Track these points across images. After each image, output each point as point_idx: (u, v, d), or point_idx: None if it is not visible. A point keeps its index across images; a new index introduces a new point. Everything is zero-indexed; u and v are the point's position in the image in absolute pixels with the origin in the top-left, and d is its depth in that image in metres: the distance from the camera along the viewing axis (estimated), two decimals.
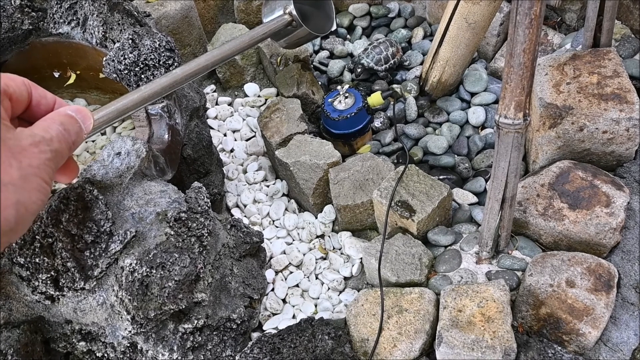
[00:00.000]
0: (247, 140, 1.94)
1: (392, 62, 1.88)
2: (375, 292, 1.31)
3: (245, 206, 1.76)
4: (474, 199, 1.55)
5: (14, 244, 1.00)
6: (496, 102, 1.75)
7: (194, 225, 1.19)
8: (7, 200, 0.35)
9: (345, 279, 1.56)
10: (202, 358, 1.27)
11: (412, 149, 1.73)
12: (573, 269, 1.17)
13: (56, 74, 1.54)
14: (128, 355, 1.18)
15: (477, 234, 1.39)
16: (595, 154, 1.35)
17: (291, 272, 1.61)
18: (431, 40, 1.95)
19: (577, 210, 1.25)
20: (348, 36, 2.13)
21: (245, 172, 1.85)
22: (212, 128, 1.93)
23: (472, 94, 1.79)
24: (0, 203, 0.34)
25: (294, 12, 1.50)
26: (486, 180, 1.57)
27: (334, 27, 2.10)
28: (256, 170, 1.84)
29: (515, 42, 0.94)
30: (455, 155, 1.68)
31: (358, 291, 1.51)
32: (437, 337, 1.15)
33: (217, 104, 2.03)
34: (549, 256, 1.21)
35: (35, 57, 1.47)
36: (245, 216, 1.75)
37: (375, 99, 1.75)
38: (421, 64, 1.92)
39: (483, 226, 1.27)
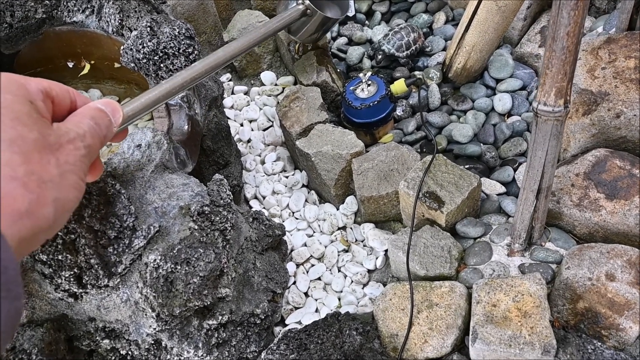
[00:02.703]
0: (264, 130, 1.89)
1: (413, 48, 1.83)
2: (404, 286, 1.27)
3: (264, 198, 1.72)
4: (502, 189, 1.50)
5: None
6: (523, 88, 1.70)
7: (217, 219, 1.15)
8: (46, 198, 0.34)
9: (369, 271, 1.52)
10: (227, 354, 1.24)
11: (436, 137, 1.68)
12: (613, 261, 1.12)
13: (70, 64, 1.50)
14: (152, 352, 1.15)
15: (507, 225, 1.35)
16: (631, 141, 1.30)
17: (313, 265, 1.57)
18: (454, 25, 1.90)
19: (615, 201, 1.20)
20: (367, 22, 2.07)
21: (263, 162, 1.81)
22: (229, 118, 1.89)
23: (498, 81, 1.73)
24: (39, 200, 0.34)
25: (307, 1, 1.46)
26: (514, 170, 1.52)
27: (352, 12, 2.05)
28: (274, 161, 1.80)
29: (559, 25, 0.89)
30: (481, 144, 1.63)
31: (383, 285, 1.47)
32: (471, 332, 1.11)
33: (233, 93, 1.99)
34: (587, 248, 1.17)
35: (48, 47, 1.43)
36: (264, 208, 1.71)
37: (399, 86, 1.70)
38: (443, 50, 1.87)
39: (516, 217, 1.22)
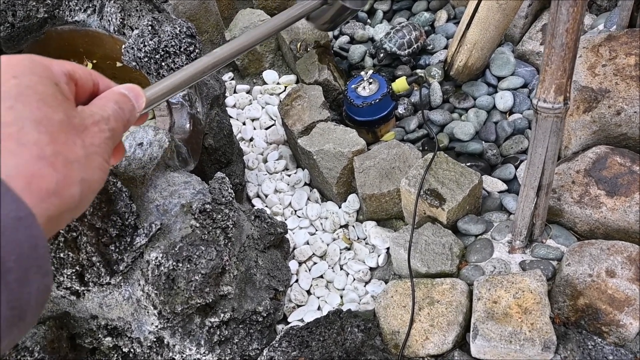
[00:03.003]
0: (266, 128, 1.90)
1: (415, 46, 1.83)
2: (405, 283, 1.27)
3: (266, 196, 1.73)
4: (504, 187, 1.50)
5: None
6: (524, 86, 1.70)
7: (219, 216, 1.16)
8: (72, 178, 0.35)
9: (371, 269, 1.53)
10: (229, 352, 1.24)
11: (438, 135, 1.68)
12: (613, 258, 1.12)
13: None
14: (155, 350, 1.15)
15: (508, 223, 1.35)
16: (632, 138, 1.30)
17: (315, 263, 1.58)
18: (455, 24, 1.90)
19: (615, 197, 1.20)
20: (369, 20, 2.08)
21: (265, 161, 1.82)
22: (231, 117, 1.90)
23: (499, 78, 1.73)
24: (65, 180, 0.35)
25: None
26: (516, 167, 1.52)
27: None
28: (277, 160, 1.80)
29: (558, 22, 0.89)
30: (483, 142, 1.63)
31: (385, 282, 1.47)
32: (472, 329, 1.12)
33: (235, 92, 1.99)
34: (587, 245, 1.17)
35: (50, 47, 1.44)
36: (266, 206, 1.71)
37: (400, 84, 1.70)
38: (445, 48, 1.87)
39: (517, 214, 1.23)
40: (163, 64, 1.21)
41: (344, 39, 2.02)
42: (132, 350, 1.14)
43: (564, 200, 1.26)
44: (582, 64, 1.34)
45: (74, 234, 0.95)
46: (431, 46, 1.89)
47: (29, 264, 0.30)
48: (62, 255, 0.95)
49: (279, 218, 1.66)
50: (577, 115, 1.33)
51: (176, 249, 1.05)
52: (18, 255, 0.29)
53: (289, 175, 1.77)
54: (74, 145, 0.36)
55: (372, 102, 1.63)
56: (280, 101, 1.76)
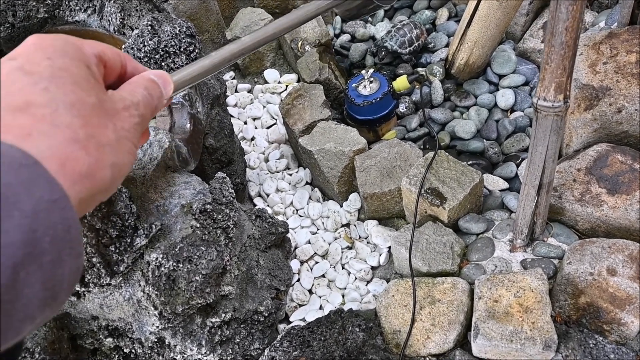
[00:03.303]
0: (267, 128, 1.90)
1: (416, 44, 1.82)
2: (406, 282, 1.27)
3: (268, 195, 1.73)
4: (505, 185, 1.50)
5: None
6: (526, 84, 1.70)
7: (220, 216, 1.16)
8: (104, 161, 0.35)
9: (373, 268, 1.52)
10: (231, 352, 1.24)
11: (439, 134, 1.68)
12: (614, 256, 1.12)
13: None
14: (156, 350, 1.15)
15: (509, 221, 1.35)
16: (633, 136, 1.29)
17: (317, 262, 1.58)
18: (456, 22, 1.89)
19: (617, 196, 1.20)
20: (369, 18, 2.07)
21: (267, 160, 1.82)
22: (232, 116, 1.90)
23: (500, 76, 1.73)
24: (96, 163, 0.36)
25: None
26: (517, 165, 1.52)
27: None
28: (278, 159, 1.80)
29: (557, 20, 0.89)
30: (484, 140, 1.63)
31: (387, 281, 1.47)
32: (472, 328, 1.12)
33: (236, 91, 1.99)
34: (588, 243, 1.17)
35: None
36: (268, 205, 1.71)
37: (401, 83, 1.70)
38: (446, 46, 1.86)
39: (518, 213, 1.22)
40: (163, 64, 1.21)
41: (345, 37, 2.02)
42: (133, 350, 1.14)
43: (565, 198, 1.26)
44: (583, 61, 1.34)
45: None
46: (432, 44, 1.88)
47: (62, 245, 0.30)
48: None
49: (280, 217, 1.66)
50: (578, 113, 1.32)
51: (176, 250, 1.05)
52: (52, 237, 0.29)
53: (291, 175, 1.77)
54: (105, 129, 0.36)
55: (373, 100, 1.63)
56: (282, 100, 1.76)
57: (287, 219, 1.67)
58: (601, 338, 1.08)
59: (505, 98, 1.67)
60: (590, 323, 1.12)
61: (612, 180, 1.22)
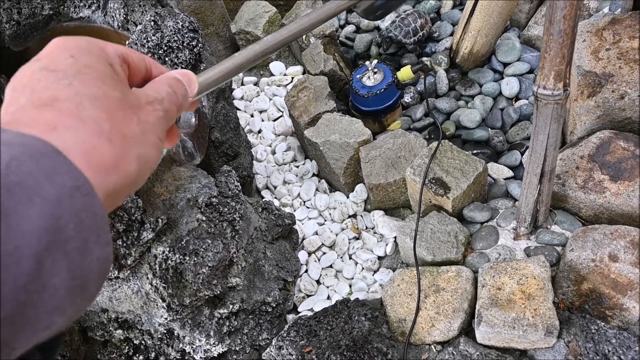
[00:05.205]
0: (274, 120, 1.91)
1: (420, 34, 1.82)
2: (411, 271, 1.28)
3: (275, 187, 1.75)
4: (510, 173, 1.50)
5: None
6: (531, 72, 1.69)
7: (225, 209, 1.18)
8: (130, 154, 0.36)
9: (380, 258, 1.54)
10: (239, 342, 1.26)
11: (444, 123, 1.68)
12: (616, 242, 1.12)
13: None
14: (165, 341, 1.18)
15: (513, 210, 1.35)
16: (636, 122, 1.29)
17: (324, 253, 1.59)
18: (461, 10, 1.89)
19: (619, 182, 1.20)
20: None
21: (274, 152, 1.83)
22: (239, 109, 1.91)
23: (505, 64, 1.73)
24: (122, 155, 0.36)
25: None
26: (522, 154, 1.52)
27: None
28: (285, 151, 1.81)
29: (555, 8, 0.89)
30: (489, 129, 1.63)
31: (393, 271, 1.49)
32: (476, 316, 1.13)
33: (242, 84, 2.01)
34: (590, 230, 1.17)
35: None
36: (275, 198, 1.73)
37: (405, 73, 1.70)
38: (451, 35, 1.86)
39: (521, 201, 1.23)
40: (167, 59, 1.22)
41: (350, 28, 2.03)
42: (143, 342, 1.17)
43: (568, 185, 1.26)
44: (586, 48, 1.33)
45: None
46: (437, 33, 1.88)
47: (88, 232, 0.30)
48: None
49: (288, 209, 1.68)
50: (582, 100, 1.32)
51: (183, 243, 1.07)
52: (76, 224, 0.29)
53: (297, 167, 1.78)
54: (130, 122, 0.37)
55: (378, 91, 1.64)
56: (287, 93, 1.77)
57: (295, 210, 1.68)
58: (603, 323, 1.09)
59: (510, 86, 1.66)
60: (592, 309, 1.12)
61: (615, 166, 1.22)
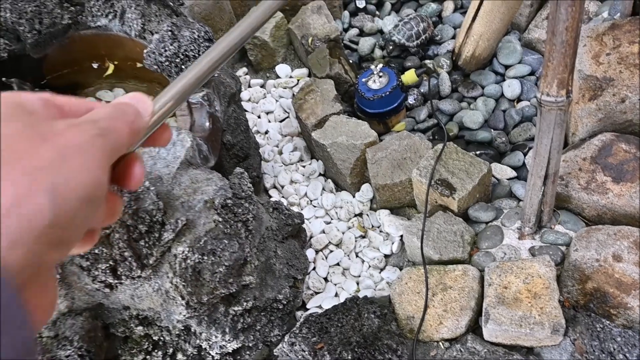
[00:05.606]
0: (280, 121, 1.95)
1: (423, 37, 1.87)
2: (419, 270, 1.33)
3: (282, 187, 1.79)
4: (513, 174, 1.55)
5: None
6: (532, 74, 1.74)
7: (240, 210, 1.22)
8: (37, 185, 0.30)
9: (386, 256, 1.58)
10: (252, 338, 1.31)
11: (448, 124, 1.73)
12: (619, 243, 1.17)
13: (95, 65, 1.57)
14: (182, 337, 1.22)
15: (518, 209, 1.40)
16: (637, 124, 1.34)
17: (331, 251, 1.64)
18: (462, 14, 1.93)
19: (622, 184, 1.25)
20: (377, 12, 2.12)
21: (280, 153, 1.87)
22: (247, 111, 1.95)
23: (507, 67, 1.77)
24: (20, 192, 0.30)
25: None
26: (524, 155, 1.57)
27: (363, 4, 2.08)
28: (292, 151, 1.85)
29: (557, 20, 0.94)
30: (492, 130, 1.68)
31: (399, 269, 1.53)
32: (483, 314, 1.17)
33: (249, 86, 2.04)
34: (594, 230, 1.22)
35: (74, 50, 1.50)
36: (283, 197, 1.77)
37: (410, 76, 1.75)
38: (453, 38, 1.91)
39: (525, 202, 1.27)
40: (183, 67, 1.26)
41: (354, 31, 2.06)
42: (161, 338, 1.21)
43: (571, 187, 1.31)
44: (587, 52, 1.38)
45: (107, 230, 1.02)
46: (439, 36, 1.93)
47: None
48: (96, 251, 1.01)
49: (295, 208, 1.72)
50: (583, 103, 1.37)
51: (201, 243, 1.11)
52: None
53: (304, 167, 1.82)
54: (37, 150, 0.32)
55: (383, 94, 1.68)
56: (294, 95, 1.81)
57: (302, 209, 1.72)
58: (608, 322, 1.13)
59: (511, 88, 1.71)
60: (597, 308, 1.17)
61: (617, 168, 1.27)
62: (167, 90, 0.45)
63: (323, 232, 1.67)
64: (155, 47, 1.23)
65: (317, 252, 1.64)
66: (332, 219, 1.71)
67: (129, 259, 1.04)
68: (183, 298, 1.11)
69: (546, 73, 1.02)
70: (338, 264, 1.61)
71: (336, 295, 1.55)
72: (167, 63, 1.24)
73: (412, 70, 1.75)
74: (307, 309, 1.52)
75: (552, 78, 1.01)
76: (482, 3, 1.59)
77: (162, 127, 0.44)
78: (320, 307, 1.51)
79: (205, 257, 1.11)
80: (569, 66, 0.99)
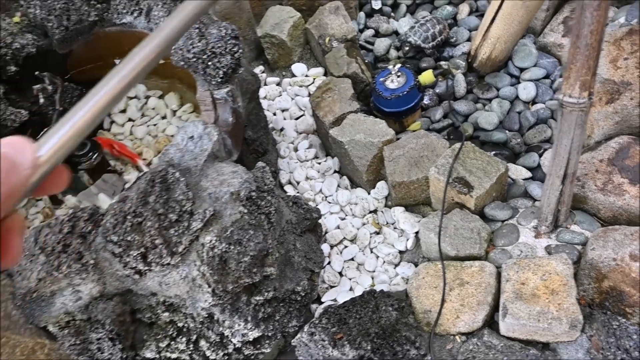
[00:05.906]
0: (296, 119, 1.98)
1: (439, 39, 1.90)
2: (436, 265, 1.35)
3: (298, 183, 1.81)
4: (528, 174, 1.58)
5: (107, 223, 1.06)
6: (547, 77, 1.77)
7: (263, 203, 1.25)
8: None
9: (400, 252, 1.61)
10: (271, 328, 1.33)
11: (463, 124, 1.76)
12: (636, 243, 1.19)
13: (118, 62, 1.60)
14: (206, 325, 1.25)
15: (533, 209, 1.42)
16: None
17: (346, 247, 1.66)
18: (477, 17, 1.96)
19: (638, 186, 1.28)
20: (392, 14, 2.14)
21: (296, 150, 1.90)
22: (263, 108, 1.98)
23: (522, 70, 1.80)
24: None
25: None
26: (540, 156, 1.59)
27: (378, 5, 2.11)
28: (307, 148, 1.88)
29: (583, 24, 0.96)
30: (507, 131, 1.70)
31: (414, 265, 1.56)
32: (501, 308, 1.20)
33: (265, 84, 2.07)
34: (611, 231, 1.24)
35: (99, 46, 1.53)
36: (298, 193, 1.80)
37: (427, 77, 1.77)
38: (468, 40, 1.94)
39: (543, 201, 1.30)
40: (209, 63, 1.29)
41: (369, 32, 2.09)
42: (186, 325, 1.24)
43: (588, 187, 1.33)
44: (605, 57, 1.41)
45: (139, 219, 1.05)
46: (454, 39, 1.96)
47: None
48: (129, 238, 1.04)
49: (310, 204, 1.75)
50: (600, 106, 1.40)
51: (228, 233, 1.14)
52: None
53: (319, 163, 1.85)
54: None
55: (400, 94, 1.71)
56: (311, 93, 1.84)
57: (317, 205, 1.75)
58: (624, 320, 1.16)
59: (526, 91, 1.74)
60: (613, 306, 1.19)
61: (634, 170, 1.29)
62: (60, 126, 0.37)
63: (338, 227, 1.70)
64: (183, 44, 1.26)
65: (332, 247, 1.67)
66: (346, 215, 1.74)
67: (160, 246, 1.07)
68: (209, 286, 1.14)
69: (569, 75, 1.05)
70: (352, 259, 1.64)
71: (351, 289, 1.58)
72: (194, 59, 1.27)
73: (430, 71, 1.78)
74: (322, 302, 1.54)
75: (575, 80, 1.04)
76: (501, 6, 1.62)
77: (56, 172, 0.37)
78: (335, 300, 1.53)
79: (232, 247, 1.13)
80: (592, 69, 1.01)
